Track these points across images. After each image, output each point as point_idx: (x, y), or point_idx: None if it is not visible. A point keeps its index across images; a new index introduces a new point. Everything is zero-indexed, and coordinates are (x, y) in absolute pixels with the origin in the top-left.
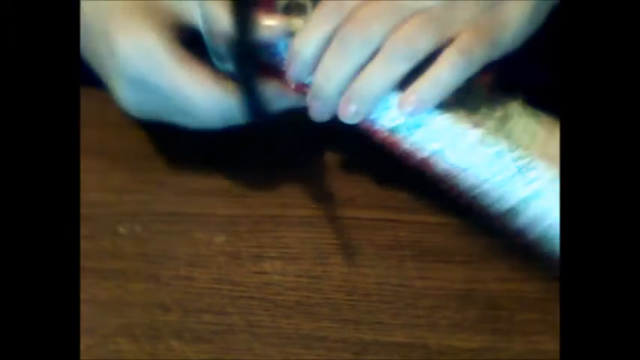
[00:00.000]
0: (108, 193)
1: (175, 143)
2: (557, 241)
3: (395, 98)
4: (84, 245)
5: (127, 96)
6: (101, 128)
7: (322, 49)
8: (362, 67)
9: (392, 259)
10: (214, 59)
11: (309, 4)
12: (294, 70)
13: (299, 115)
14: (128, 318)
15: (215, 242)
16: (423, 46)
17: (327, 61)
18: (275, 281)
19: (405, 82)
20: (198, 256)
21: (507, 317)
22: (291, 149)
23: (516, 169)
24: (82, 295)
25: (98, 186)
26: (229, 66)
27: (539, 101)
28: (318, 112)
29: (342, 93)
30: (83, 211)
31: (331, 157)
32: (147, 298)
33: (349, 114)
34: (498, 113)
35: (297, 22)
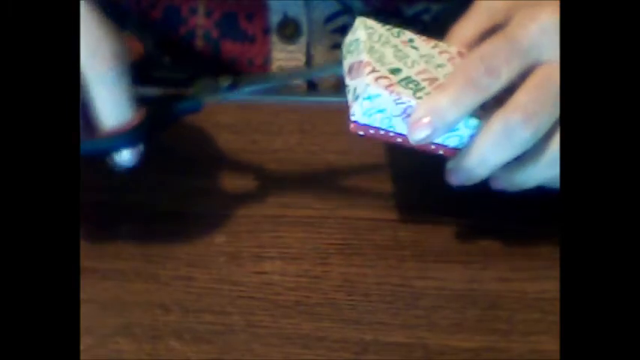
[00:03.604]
0: (108, 193)
1: (175, 143)
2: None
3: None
4: (84, 245)
5: None
6: None
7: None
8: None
9: (392, 259)
10: None
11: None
12: (429, 133)
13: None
14: (128, 318)
15: (215, 242)
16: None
17: (488, 147)
18: (275, 281)
19: None
20: (199, 256)
21: (507, 317)
22: None
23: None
24: (82, 295)
25: (98, 186)
26: None
27: None
28: (458, 182)
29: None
30: (83, 211)
31: (331, 157)
32: (147, 298)
33: (419, 138)
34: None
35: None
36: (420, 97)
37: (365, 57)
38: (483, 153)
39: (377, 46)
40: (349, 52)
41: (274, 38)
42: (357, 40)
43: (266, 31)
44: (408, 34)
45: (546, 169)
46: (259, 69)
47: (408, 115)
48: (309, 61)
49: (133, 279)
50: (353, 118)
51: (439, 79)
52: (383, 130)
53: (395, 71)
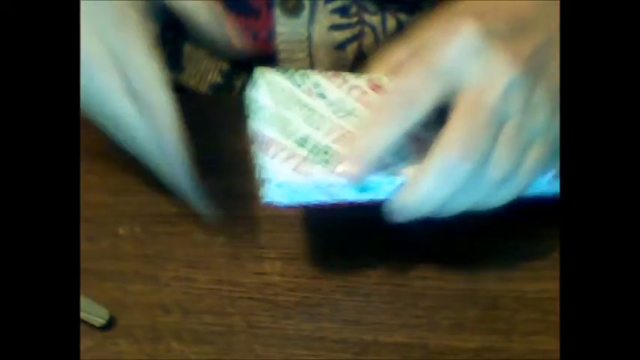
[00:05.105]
0: (108, 194)
1: None
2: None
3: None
4: (84, 246)
5: None
6: (101, 129)
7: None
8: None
9: (392, 259)
10: None
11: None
12: (358, 173)
13: None
14: (128, 319)
15: (215, 243)
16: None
17: (429, 184)
18: (275, 282)
19: None
20: (198, 257)
21: (507, 317)
22: None
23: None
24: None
25: (98, 187)
26: None
27: None
28: (403, 219)
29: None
30: (83, 212)
31: None
32: (147, 299)
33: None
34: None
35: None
36: (331, 165)
37: (269, 131)
38: (428, 193)
39: (281, 109)
40: (253, 112)
41: (277, 12)
42: (259, 102)
43: (270, 5)
44: (312, 78)
45: (486, 191)
46: (263, 43)
47: (324, 187)
48: (309, 37)
49: (133, 280)
50: (266, 200)
51: (350, 132)
52: (303, 202)
53: (302, 141)
